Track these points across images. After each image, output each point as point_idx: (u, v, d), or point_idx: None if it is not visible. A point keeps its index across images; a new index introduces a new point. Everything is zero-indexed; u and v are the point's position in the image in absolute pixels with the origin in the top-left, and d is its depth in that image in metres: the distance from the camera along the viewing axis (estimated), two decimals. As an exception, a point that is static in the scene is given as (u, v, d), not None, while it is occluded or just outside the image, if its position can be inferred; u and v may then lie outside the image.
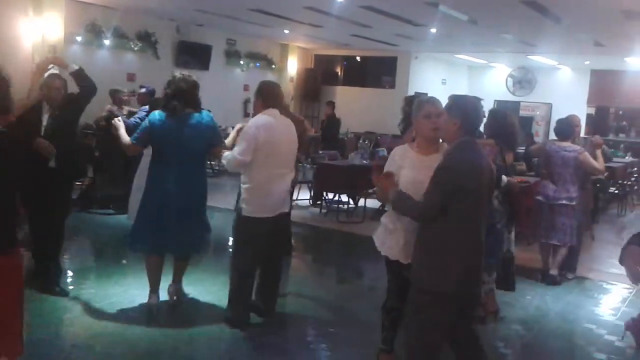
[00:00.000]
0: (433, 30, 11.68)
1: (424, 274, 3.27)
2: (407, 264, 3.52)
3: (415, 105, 3.65)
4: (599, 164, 6.28)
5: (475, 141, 3.28)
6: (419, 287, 3.28)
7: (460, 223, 3.16)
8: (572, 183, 6.24)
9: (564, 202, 6.23)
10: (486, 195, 3.35)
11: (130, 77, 11.74)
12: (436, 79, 17.20)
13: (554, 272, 6.36)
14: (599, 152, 6.36)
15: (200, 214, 4.79)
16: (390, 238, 3.69)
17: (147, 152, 6.43)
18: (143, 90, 8.85)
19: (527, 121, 16.68)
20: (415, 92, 16.04)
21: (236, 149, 4.40)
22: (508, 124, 5.10)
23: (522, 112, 17.55)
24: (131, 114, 8.27)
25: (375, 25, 11.55)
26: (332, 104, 13.35)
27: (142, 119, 6.23)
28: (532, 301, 5.92)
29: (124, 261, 6.24)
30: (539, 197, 6.41)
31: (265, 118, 4.42)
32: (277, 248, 4.84)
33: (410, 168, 3.49)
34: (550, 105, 16.79)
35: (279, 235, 4.84)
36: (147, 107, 7.36)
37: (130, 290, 5.18)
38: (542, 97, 17.07)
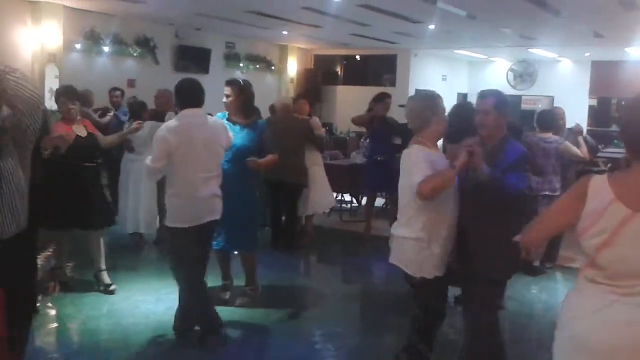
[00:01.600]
0: (432, 27, 11.65)
1: (496, 265, 3.29)
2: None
3: (432, 103, 3.56)
4: (581, 152, 6.29)
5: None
6: (492, 279, 3.31)
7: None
8: (554, 174, 6.27)
9: (547, 193, 6.25)
10: None
11: (131, 84, 11.75)
12: (437, 75, 17.16)
13: (536, 263, 6.41)
14: (581, 139, 6.40)
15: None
16: (427, 254, 3.37)
17: (130, 158, 6.50)
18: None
19: (530, 115, 16.62)
20: (416, 90, 16.04)
21: (149, 157, 4.22)
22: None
23: (524, 106, 17.48)
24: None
25: (373, 23, 11.53)
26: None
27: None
28: (537, 295, 5.90)
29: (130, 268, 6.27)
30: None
31: (178, 121, 4.23)
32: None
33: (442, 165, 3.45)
34: (552, 99, 16.72)
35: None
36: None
37: (133, 297, 5.19)
38: (543, 91, 17.01)
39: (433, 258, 3.36)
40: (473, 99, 15.82)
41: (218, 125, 4.49)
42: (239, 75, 14.82)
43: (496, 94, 3.57)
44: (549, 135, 6.29)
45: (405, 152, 3.48)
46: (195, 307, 4.36)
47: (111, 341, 4.33)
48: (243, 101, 4.96)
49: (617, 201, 2.08)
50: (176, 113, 6.70)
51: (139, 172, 6.42)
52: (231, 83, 5.04)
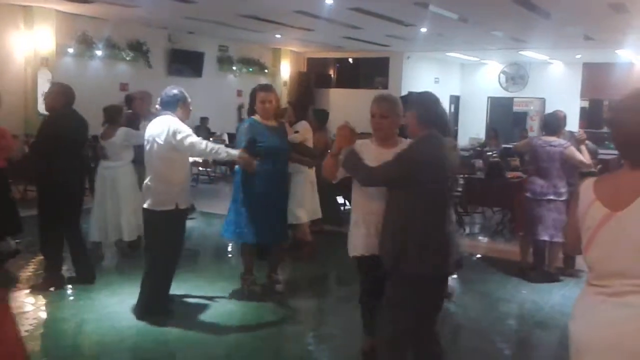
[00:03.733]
0: (424, 29, 11.74)
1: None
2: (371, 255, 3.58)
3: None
4: (585, 158, 6.22)
5: (437, 135, 3.33)
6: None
7: (422, 212, 3.26)
8: (559, 178, 6.21)
9: (551, 197, 6.21)
10: (446, 188, 3.41)
11: (123, 87, 11.79)
12: (429, 77, 17.26)
13: (552, 269, 6.36)
14: (583, 147, 6.33)
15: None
16: (354, 233, 3.72)
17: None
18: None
19: (521, 116, 16.77)
20: (409, 92, 16.10)
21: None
22: (440, 111, 5.20)
23: (515, 108, 17.64)
24: None
25: (365, 26, 11.60)
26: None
27: None
28: (527, 296, 5.95)
29: (122, 272, 6.30)
30: (527, 194, 6.38)
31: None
32: None
33: (370, 160, 3.49)
34: (543, 100, 16.86)
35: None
36: None
37: (127, 300, 5.20)
38: (535, 92, 17.14)
39: (359, 237, 3.66)
40: (466, 101, 16.17)
41: (160, 124, 4.69)
42: (231, 78, 14.90)
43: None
44: (554, 139, 6.24)
45: None
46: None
47: (105, 343, 4.35)
48: (278, 106, 5.51)
49: (596, 201, 2.14)
50: (150, 120, 6.80)
51: (113, 179, 6.43)
52: (271, 89, 5.41)
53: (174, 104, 4.74)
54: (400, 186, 3.28)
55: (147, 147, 4.74)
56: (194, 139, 4.62)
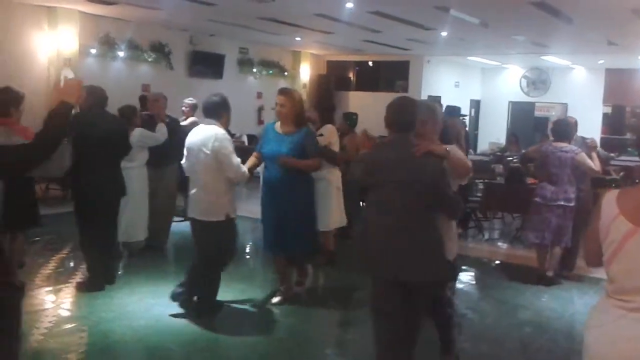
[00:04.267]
0: (444, 33, 11.68)
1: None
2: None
3: None
4: (595, 165, 6.21)
5: (400, 138, 3.38)
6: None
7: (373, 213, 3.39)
8: (569, 184, 6.21)
9: (561, 202, 6.20)
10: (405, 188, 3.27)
11: (145, 88, 11.87)
12: (449, 81, 17.18)
13: (550, 273, 6.38)
14: (594, 154, 6.30)
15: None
16: None
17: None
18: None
19: (543, 122, 16.59)
20: (429, 96, 16.05)
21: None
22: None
23: (537, 113, 17.47)
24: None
25: (385, 30, 11.58)
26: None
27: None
28: (547, 303, 5.89)
29: (142, 271, 6.35)
30: (537, 199, 6.37)
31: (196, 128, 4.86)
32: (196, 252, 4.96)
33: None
34: (565, 105, 16.68)
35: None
36: None
37: (145, 299, 5.26)
38: (557, 98, 16.96)
39: None
40: (486, 105, 16.10)
41: (206, 133, 4.67)
42: (251, 80, 14.96)
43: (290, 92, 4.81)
44: (565, 145, 6.24)
45: None
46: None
47: (123, 342, 4.39)
48: (296, 111, 5.04)
49: (620, 216, 2.12)
50: (166, 123, 6.82)
51: (128, 179, 6.20)
52: (286, 93, 5.13)
53: (219, 112, 4.69)
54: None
55: (190, 157, 4.72)
56: (235, 159, 4.62)
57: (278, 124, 5.09)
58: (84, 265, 5.59)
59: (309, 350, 4.64)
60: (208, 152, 4.56)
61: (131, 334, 4.51)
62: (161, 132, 6.54)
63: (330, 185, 6.30)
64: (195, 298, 4.94)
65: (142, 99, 8.44)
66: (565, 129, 6.41)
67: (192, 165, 4.73)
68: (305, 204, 5.16)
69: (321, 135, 6.27)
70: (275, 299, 5.34)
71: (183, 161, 4.94)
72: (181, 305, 4.93)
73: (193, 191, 4.72)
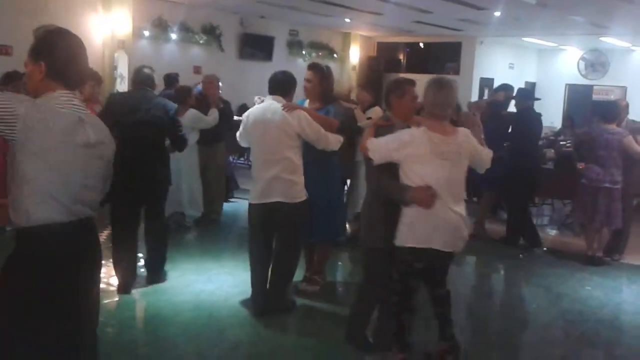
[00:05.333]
0: (497, 13, 11.37)
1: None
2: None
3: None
4: None
5: None
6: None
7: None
8: (616, 166, 6.23)
9: (607, 185, 6.22)
10: None
11: (197, 70, 12.05)
12: (503, 63, 16.73)
13: (598, 253, 6.44)
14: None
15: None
16: None
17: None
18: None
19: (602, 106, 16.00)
20: (481, 78, 15.71)
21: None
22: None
23: (595, 96, 16.83)
24: None
25: (436, 10, 11.36)
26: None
27: None
28: (591, 292, 5.74)
29: (184, 248, 6.52)
30: (583, 180, 6.42)
31: (256, 106, 4.69)
32: (278, 240, 4.62)
33: None
34: (624, 89, 16.00)
35: (275, 226, 4.53)
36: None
37: (186, 275, 5.39)
38: (616, 81, 16.29)
39: None
40: (542, 88, 15.63)
41: (277, 112, 4.41)
42: (301, 62, 14.97)
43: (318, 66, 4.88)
44: (613, 127, 6.28)
45: (463, 131, 3.71)
46: (253, 292, 4.66)
47: (161, 317, 4.53)
48: (324, 87, 4.88)
49: None
50: (219, 107, 6.91)
51: (177, 158, 6.30)
52: (314, 68, 4.95)
53: (287, 89, 4.53)
54: None
55: (265, 135, 4.41)
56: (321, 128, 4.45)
57: (308, 101, 4.91)
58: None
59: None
60: (284, 127, 4.35)
61: (170, 309, 4.64)
62: (213, 116, 6.82)
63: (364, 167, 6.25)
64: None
65: (168, 78, 8.61)
66: (613, 111, 6.43)
67: (264, 145, 4.45)
68: (331, 190, 4.94)
69: (369, 118, 6.21)
70: (305, 286, 5.13)
71: (240, 139, 4.73)
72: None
73: (269, 173, 4.39)
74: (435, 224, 3.50)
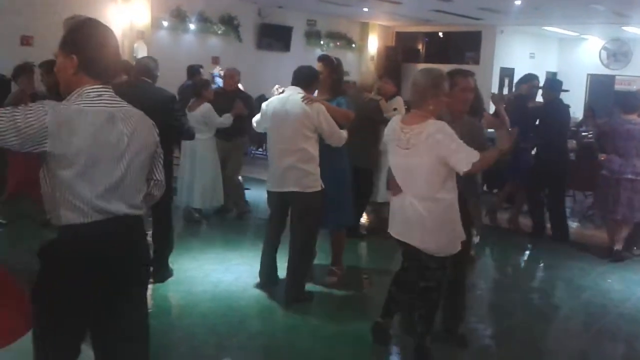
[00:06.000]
0: (518, 2, 11.23)
1: None
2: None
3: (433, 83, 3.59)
4: None
5: None
6: None
7: None
8: (637, 157, 6.11)
9: (629, 176, 6.11)
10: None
11: (215, 61, 12.07)
12: (524, 53, 16.53)
13: (618, 247, 6.28)
14: None
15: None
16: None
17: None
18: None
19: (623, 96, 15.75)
20: (501, 68, 15.54)
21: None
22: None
23: (617, 87, 16.58)
24: None
25: (456, -1, 11.26)
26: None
27: None
28: (612, 285, 5.67)
29: (204, 238, 6.56)
30: (604, 172, 6.31)
31: (276, 95, 4.67)
32: (293, 230, 4.70)
33: None
34: (648, 79, 15.77)
35: (290, 214, 4.71)
36: None
37: (205, 266, 5.42)
38: (638, 71, 16.03)
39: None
40: (563, 78, 15.23)
41: (301, 106, 4.49)
42: (318, 53, 14.91)
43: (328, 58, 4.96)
44: (634, 117, 6.17)
45: (434, 126, 3.47)
46: (261, 270, 4.92)
47: (179, 307, 4.56)
48: (334, 79, 4.97)
49: None
50: (240, 97, 6.83)
51: (192, 150, 6.64)
52: (324, 59, 5.02)
53: (311, 83, 4.63)
54: None
55: (282, 126, 4.52)
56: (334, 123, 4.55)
57: (317, 92, 4.91)
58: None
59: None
60: (303, 119, 4.42)
61: (189, 299, 4.67)
62: (225, 119, 6.69)
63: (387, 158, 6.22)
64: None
65: (189, 69, 8.64)
66: (632, 101, 6.31)
67: (281, 134, 4.54)
68: (342, 175, 4.99)
69: (395, 109, 6.19)
70: (330, 279, 5.16)
71: (256, 125, 4.85)
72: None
73: (285, 162, 4.50)
74: (392, 210, 3.76)
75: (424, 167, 3.48)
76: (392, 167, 3.70)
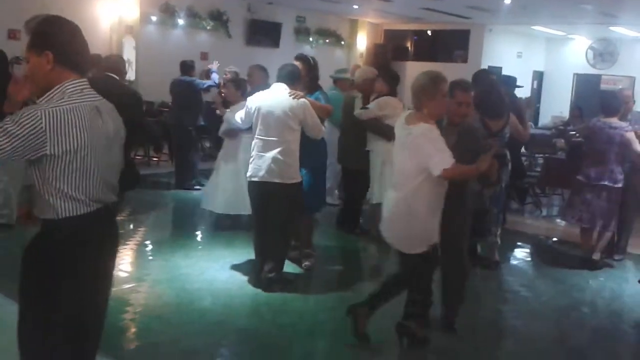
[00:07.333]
0: (507, 1, 11.29)
1: None
2: None
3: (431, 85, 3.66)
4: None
5: None
6: None
7: None
8: (616, 163, 5.73)
9: (606, 183, 5.74)
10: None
11: (204, 56, 11.99)
12: (511, 52, 16.64)
13: (595, 256, 5.97)
14: None
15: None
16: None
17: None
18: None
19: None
20: (489, 66, 15.60)
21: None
22: (492, 91, 5.38)
23: (603, 86, 16.73)
24: None
25: (446, -3, 11.29)
26: None
27: None
28: (604, 283, 5.72)
29: (197, 235, 6.52)
30: (579, 177, 5.93)
31: (262, 91, 4.91)
32: (272, 218, 4.82)
33: None
34: (633, 79, 15.92)
35: (270, 203, 4.79)
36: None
37: (199, 263, 5.39)
38: (624, 71, 16.19)
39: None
40: (550, 77, 15.41)
41: (289, 100, 4.73)
42: (308, 49, 14.88)
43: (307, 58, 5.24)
44: (614, 120, 5.76)
45: (421, 129, 3.57)
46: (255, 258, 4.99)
47: (175, 304, 4.52)
48: (311, 77, 5.32)
49: None
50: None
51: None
52: (301, 59, 5.35)
53: (295, 80, 4.83)
54: None
55: (265, 119, 4.69)
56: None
57: None
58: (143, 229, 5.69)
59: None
60: (289, 112, 4.65)
61: (184, 296, 4.63)
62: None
63: (377, 159, 6.16)
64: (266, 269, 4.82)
65: (182, 65, 8.57)
66: (613, 103, 5.90)
67: (267, 127, 4.70)
68: (319, 165, 5.32)
69: (366, 107, 6.10)
70: (306, 263, 5.39)
71: (241, 122, 5.04)
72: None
73: (269, 154, 4.65)
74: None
75: (407, 166, 3.65)
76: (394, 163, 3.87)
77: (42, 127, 2.10)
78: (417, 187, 3.60)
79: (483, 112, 5.11)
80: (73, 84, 2.24)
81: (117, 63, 4.98)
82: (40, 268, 2.28)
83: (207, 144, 10.37)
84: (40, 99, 2.22)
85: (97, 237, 2.36)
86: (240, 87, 6.19)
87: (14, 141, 2.08)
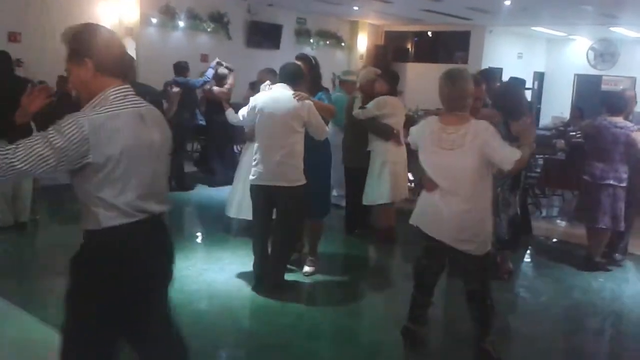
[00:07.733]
0: (507, 2, 11.28)
1: None
2: None
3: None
4: None
5: None
6: None
7: None
8: (621, 162, 5.74)
9: (611, 182, 5.76)
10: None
11: (204, 58, 11.98)
12: (512, 53, 16.63)
13: (597, 257, 5.98)
14: None
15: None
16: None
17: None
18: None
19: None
20: (489, 67, 15.58)
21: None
22: (510, 94, 5.27)
23: (604, 87, 16.72)
24: None
25: (446, -2, 11.29)
26: None
27: None
28: (604, 284, 5.71)
29: (196, 237, 6.51)
30: (585, 176, 5.95)
31: (265, 91, 4.84)
32: (277, 221, 4.84)
33: None
34: (634, 80, 15.90)
35: (275, 206, 4.81)
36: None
37: (197, 264, 5.38)
38: (625, 71, 16.18)
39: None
40: (551, 78, 15.45)
41: (292, 102, 4.63)
42: (308, 51, 14.88)
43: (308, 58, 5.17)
44: (620, 120, 5.79)
45: (482, 125, 3.56)
46: (255, 261, 4.90)
47: (173, 306, 4.50)
48: (313, 76, 5.19)
49: None
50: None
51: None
52: (302, 59, 5.24)
53: (298, 80, 4.73)
54: None
55: (270, 121, 4.62)
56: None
57: None
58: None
59: (353, 321, 4.66)
60: (293, 114, 4.57)
61: (182, 298, 4.60)
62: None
63: (376, 159, 6.18)
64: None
65: (176, 66, 8.58)
66: (618, 102, 5.93)
67: (270, 130, 4.63)
68: (324, 167, 5.22)
69: (364, 107, 6.10)
70: (306, 269, 5.28)
71: (242, 119, 4.96)
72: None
73: (273, 157, 4.59)
74: (423, 208, 3.74)
75: (468, 169, 3.51)
76: (430, 166, 3.66)
77: (85, 135, 2.09)
78: (483, 186, 3.58)
79: (506, 113, 4.88)
80: (115, 90, 2.23)
81: (131, 62, 4.95)
82: (84, 279, 2.27)
83: (199, 146, 10.33)
84: (84, 108, 2.21)
85: (142, 248, 2.32)
86: (255, 89, 6.19)
87: (60, 154, 2.06)
